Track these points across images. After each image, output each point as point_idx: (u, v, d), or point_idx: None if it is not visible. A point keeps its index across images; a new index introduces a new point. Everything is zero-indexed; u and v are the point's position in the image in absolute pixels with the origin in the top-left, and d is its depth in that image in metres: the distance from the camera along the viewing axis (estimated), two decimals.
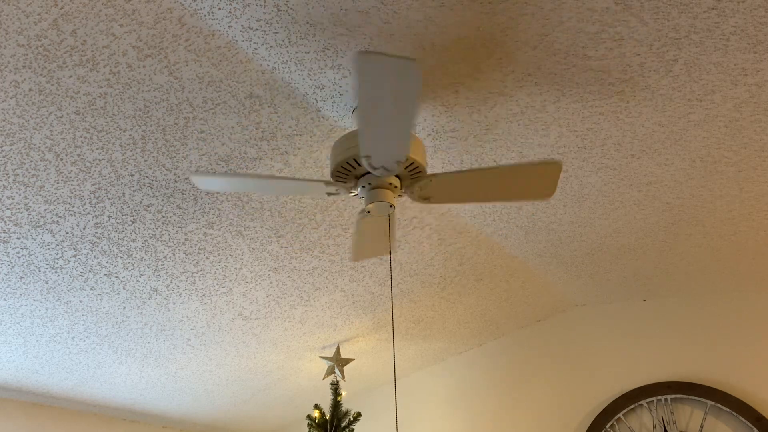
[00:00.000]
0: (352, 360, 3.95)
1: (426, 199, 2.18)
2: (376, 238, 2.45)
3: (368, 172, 2.02)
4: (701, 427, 3.40)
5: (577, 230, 3.02)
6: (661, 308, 3.79)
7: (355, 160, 1.99)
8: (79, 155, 2.23)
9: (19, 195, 2.35)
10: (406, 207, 2.81)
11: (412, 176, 2.08)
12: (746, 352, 3.43)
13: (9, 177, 2.26)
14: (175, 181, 2.44)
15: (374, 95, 1.68)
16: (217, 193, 2.53)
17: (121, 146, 2.23)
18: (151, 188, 2.45)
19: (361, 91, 1.66)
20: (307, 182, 2.07)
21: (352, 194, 2.12)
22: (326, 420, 3.40)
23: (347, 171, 2.03)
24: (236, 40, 1.89)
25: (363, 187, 2.05)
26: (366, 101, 1.70)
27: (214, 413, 4.70)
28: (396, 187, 2.05)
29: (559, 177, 1.97)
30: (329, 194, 2.13)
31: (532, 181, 2.10)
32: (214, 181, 2.09)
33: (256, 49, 1.92)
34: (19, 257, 2.68)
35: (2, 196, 2.34)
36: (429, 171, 2.58)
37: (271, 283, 3.19)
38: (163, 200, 2.52)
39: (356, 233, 2.40)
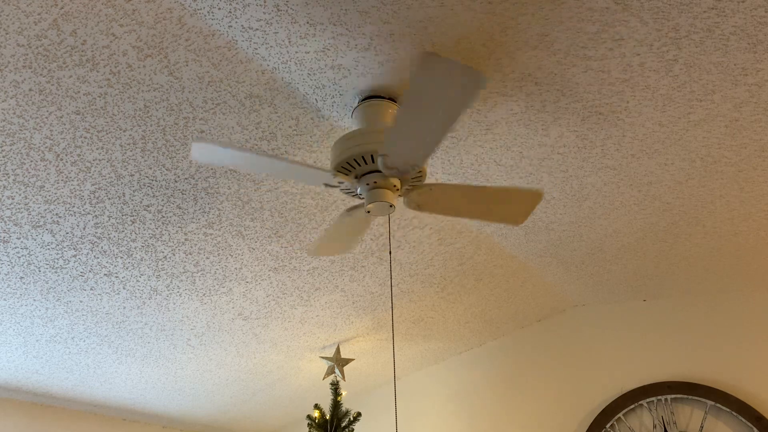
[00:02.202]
0: (352, 360, 3.95)
1: (418, 207, 2.20)
2: (343, 238, 2.41)
3: (371, 171, 2.01)
4: (701, 427, 3.40)
5: (577, 230, 3.02)
6: (661, 308, 3.79)
7: (362, 157, 1.97)
8: (79, 155, 2.23)
9: (19, 195, 2.35)
10: (406, 207, 2.81)
11: (413, 182, 2.08)
12: (746, 352, 3.43)
13: (9, 177, 2.26)
14: (175, 181, 2.44)
15: (425, 97, 1.70)
16: (217, 193, 2.53)
17: (121, 146, 2.23)
18: (151, 188, 2.45)
19: (413, 89, 1.68)
20: (310, 168, 1.99)
21: (347, 191, 2.10)
22: (326, 420, 3.40)
23: (350, 168, 2.02)
24: (236, 40, 1.89)
25: (366, 185, 2.03)
26: (414, 101, 1.71)
27: (214, 413, 4.70)
28: (397, 189, 2.04)
29: (536, 206, 2.09)
30: (327, 185, 2.07)
31: (512, 204, 2.18)
32: (214, 150, 1.90)
33: (256, 49, 1.92)
34: (19, 257, 2.68)
35: (2, 196, 2.34)
36: (428, 176, 2.58)
37: (271, 283, 3.19)
38: (163, 200, 2.52)
39: (332, 229, 2.35)
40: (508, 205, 2.22)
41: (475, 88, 1.66)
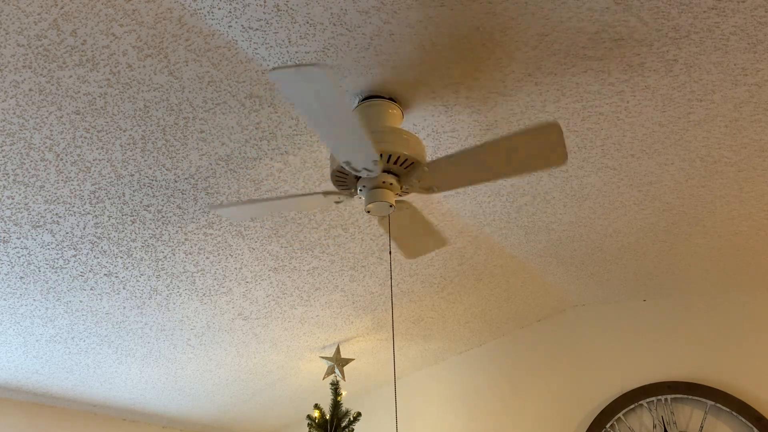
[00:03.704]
0: (352, 360, 3.95)
1: (429, 190, 2.11)
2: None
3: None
4: (701, 427, 3.40)
5: (577, 230, 3.02)
6: (661, 308, 3.79)
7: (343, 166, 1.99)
8: (79, 155, 2.23)
9: (19, 195, 2.35)
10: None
11: (406, 170, 2.05)
12: (746, 352, 3.43)
13: (9, 177, 2.26)
14: (175, 181, 2.44)
15: (306, 107, 1.69)
16: (217, 193, 2.53)
17: (121, 146, 2.23)
18: (151, 188, 2.45)
19: (295, 105, 1.66)
20: (308, 196, 2.08)
21: (343, 186, 2.11)
22: (326, 420, 3.40)
23: (344, 175, 2.04)
24: (236, 40, 1.89)
25: (362, 188, 2.04)
26: (304, 114, 1.71)
27: (214, 413, 4.70)
28: (393, 184, 2.03)
29: (563, 138, 1.82)
30: (336, 203, 2.14)
31: (537, 148, 1.90)
32: (229, 211, 2.24)
33: (256, 49, 1.92)
34: (19, 257, 2.68)
35: (2, 196, 2.34)
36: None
37: (271, 283, 3.19)
38: (163, 200, 2.52)
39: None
40: (532, 150, 1.93)
41: (322, 78, 1.61)
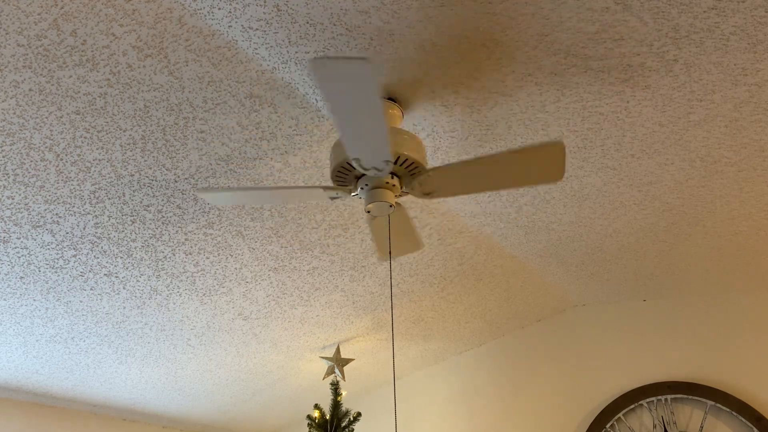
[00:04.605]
0: (352, 360, 3.95)
1: (428, 194, 2.14)
2: (400, 235, 2.47)
3: (365, 174, 2.02)
4: (701, 427, 3.40)
5: (577, 230, 3.02)
6: (661, 308, 3.79)
7: (349, 162, 1.99)
8: (79, 155, 2.23)
9: (19, 195, 2.35)
10: (406, 207, 2.81)
11: (410, 173, 2.06)
12: (746, 352, 3.43)
13: (9, 177, 2.26)
14: (175, 181, 2.44)
15: (336, 99, 1.68)
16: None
17: (121, 146, 2.23)
18: (151, 188, 2.45)
19: (323, 97, 1.66)
20: (307, 189, 2.08)
21: (353, 195, 2.12)
22: (326, 420, 3.40)
23: (346, 172, 2.03)
24: (236, 40, 1.89)
25: (362, 187, 2.04)
26: (331, 106, 1.70)
27: (214, 413, 4.70)
28: (395, 185, 2.04)
29: (565, 157, 1.93)
30: (332, 198, 2.14)
31: (538, 164, 1.98)
32: (219, 195, 2.15)
33: (256, 49, 1.92)
34: (19, 257, 2.68)
35: (2, 196, 2.34)
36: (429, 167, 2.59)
37: (271, 283, 3.19)
38: (163, 200, 2.52)
39: (373, 233, 2.42)
40: (532, 165, 2.03)
41: (366, 73, 1.60)
